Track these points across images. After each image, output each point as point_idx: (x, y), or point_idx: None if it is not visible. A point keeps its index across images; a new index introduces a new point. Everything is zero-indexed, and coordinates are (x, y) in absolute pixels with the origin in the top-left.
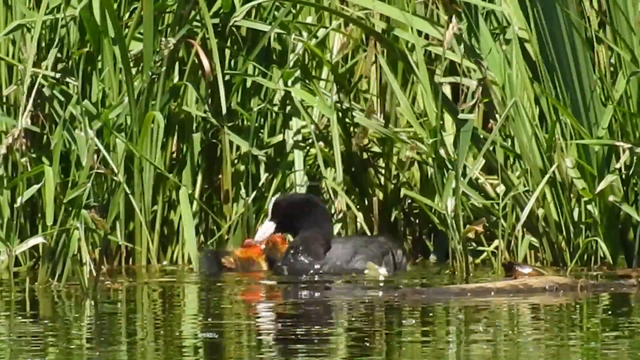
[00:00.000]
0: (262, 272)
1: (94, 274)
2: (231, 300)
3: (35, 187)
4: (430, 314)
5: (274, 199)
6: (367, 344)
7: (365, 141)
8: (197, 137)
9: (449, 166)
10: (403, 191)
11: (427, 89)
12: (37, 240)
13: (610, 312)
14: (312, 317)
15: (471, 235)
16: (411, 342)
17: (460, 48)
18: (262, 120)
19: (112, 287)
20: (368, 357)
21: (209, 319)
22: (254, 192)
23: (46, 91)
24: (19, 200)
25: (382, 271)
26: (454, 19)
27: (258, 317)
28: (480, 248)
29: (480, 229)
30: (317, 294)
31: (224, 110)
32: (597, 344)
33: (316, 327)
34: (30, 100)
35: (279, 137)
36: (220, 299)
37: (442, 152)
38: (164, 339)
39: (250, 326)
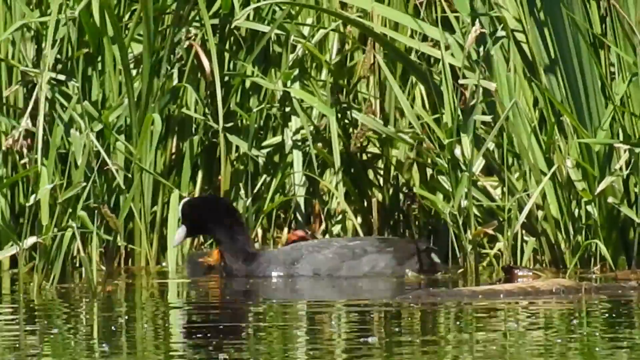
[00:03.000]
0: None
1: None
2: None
3: (49, 186)
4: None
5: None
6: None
7: (365, 142)
8: (196, 138)
9: (463, 167)
10: (415, 190)
11: (448, 90)
12: (32, 240)
13: (615, 315)
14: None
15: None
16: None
17: (480, 50)
18: (261, 121)
19: (109, 288)
20: None
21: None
22: (253, 193)
23: (47, 92)
24: (31, 199)
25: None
26: (477, 22)
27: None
28: (484, 251)
29: (490, 231)
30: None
31: (220, 111)
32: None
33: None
34: (31, 102)
35: (278, 138)
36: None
37: (457, 152)
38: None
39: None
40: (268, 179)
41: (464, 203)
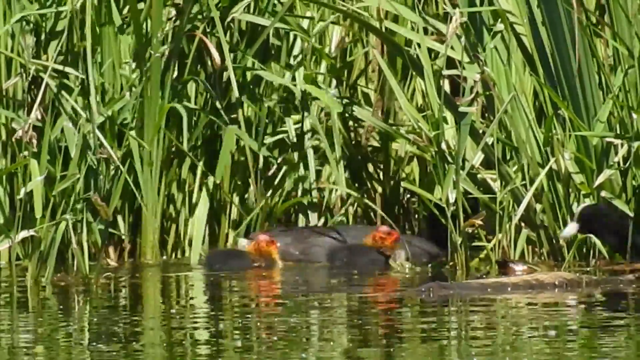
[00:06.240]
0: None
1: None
2: None
3: (39, 178)
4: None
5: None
6: None
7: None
8: (199, 130)
9: (450, 159)
10: (403, 184)
11: (430, 82)
12: (27, 233)
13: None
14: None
15: (469, 229)
16: None
17: (461, 41)
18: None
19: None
20: None
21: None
22: (255, 186)
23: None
24: (22, 191)
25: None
26: (457, 12)
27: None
28: (479, 243)
29: (479, 222)
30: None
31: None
32: None
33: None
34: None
35: (280, 131)
36: None
37: (443, 145)
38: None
39: None
40: (269, 172)
41: (452, 195)
